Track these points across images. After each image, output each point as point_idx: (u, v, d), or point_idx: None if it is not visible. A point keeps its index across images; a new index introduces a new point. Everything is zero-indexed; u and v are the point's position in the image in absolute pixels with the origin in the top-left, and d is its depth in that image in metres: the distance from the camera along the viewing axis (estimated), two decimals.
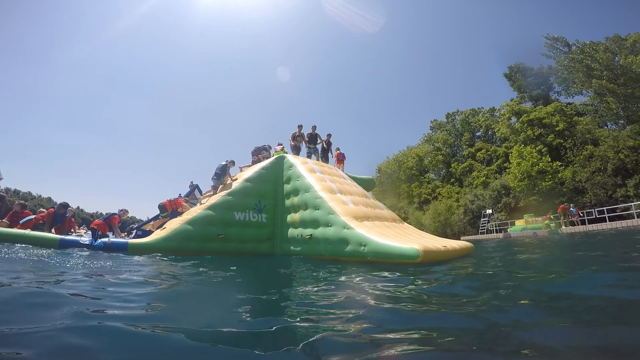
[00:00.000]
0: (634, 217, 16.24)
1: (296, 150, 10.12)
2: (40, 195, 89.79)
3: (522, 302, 2.30)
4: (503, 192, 26.81)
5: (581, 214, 18.74)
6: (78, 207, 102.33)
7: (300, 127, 10.33)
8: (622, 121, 24.05)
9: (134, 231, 9.02)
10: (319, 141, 10.53)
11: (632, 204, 17.44)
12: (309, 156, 10.22)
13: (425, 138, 41.15)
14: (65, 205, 7.90)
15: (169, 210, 8.36)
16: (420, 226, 30.11)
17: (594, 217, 18.22)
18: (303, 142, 10.38)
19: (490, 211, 26.22)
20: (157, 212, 8.63)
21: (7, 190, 76.73)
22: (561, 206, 18.89)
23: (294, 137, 10.19)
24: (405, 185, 37.35)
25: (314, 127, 10.57)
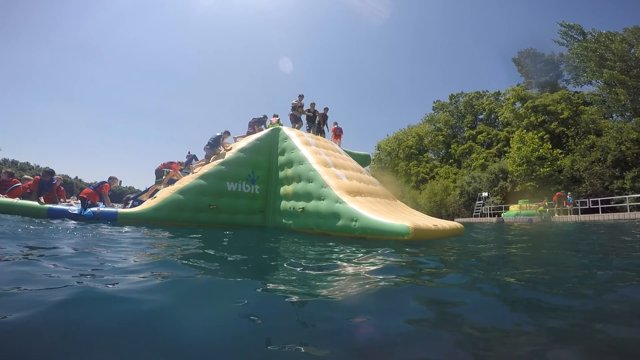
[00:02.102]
0: (626, 210, 16.34)
1: (295, 120, 9.81)
2: (38, 165, 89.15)
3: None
4: (501, 175, 26.80)
5: (575, 204, 18.83)
6: (76, 177, 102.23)
7: (301, 96, 9.98)
8: (629, 113, 23.76)
9: (131, 201, 8.89)
10: (317, 119, 10.22)
11: (627, 196, 17.50)
12: (307, 131, 9.97)
13: (427, 118, 40.60)
14: (50, 172, 7.59)
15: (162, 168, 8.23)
16: (416, 205, 30.32)
17: (588, 207, 18.30)
18: (303, 115, 10.07)
19: (486, 194, 26.29)
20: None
21: (5, 160, 76.16)
22: (557, 193, 18.93)
23: (294, 107, 9.85)
24: (404, 163, 37.27)
25: (313, 104, 10.20)
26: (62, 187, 8.23)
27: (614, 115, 25.34)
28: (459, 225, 6.21)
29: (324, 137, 9.95)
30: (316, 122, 10.16)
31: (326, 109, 10.54)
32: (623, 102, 23.33)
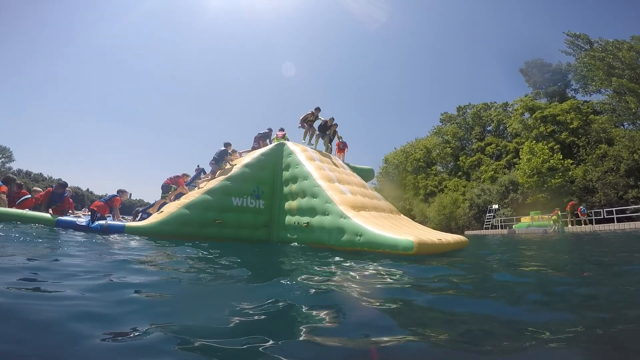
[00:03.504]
0: None
1: (309, 128, 9.64)
2: (51, 177, 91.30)
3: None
4: (511, 187, 26.40)
5: (589, 214, 18.35)
6: (87, 189, 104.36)
7: (317, 109, 9.75)
8: None
9: (140, 214, 9.01)
10: (328, 133, 10.01)
11: None
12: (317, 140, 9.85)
13: (435, 130, 40.50)
14: (63, 185, 7.76)
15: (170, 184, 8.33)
16: (425, 219, 30.01)
17: (602, 217, 17.84)
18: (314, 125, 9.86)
19: (496, 206, 25.87)
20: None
21: (19, 171, 78.04)
22: (570, 203, 18.43)
23: (305, 119, 9.65)
24: (412, 176, 37.01)
25: (332, 120, 9.98)
26: (71, 200, 8.35)
27: (625, 123, 24.90)
28: (463, 238, 6.16)
29: (331, 152, 9.94)
30: (327, 134, 9.95)
31: (335, 125, 10.42)
32: (634, 110, 22.96)
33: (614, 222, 16.58)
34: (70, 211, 7.96)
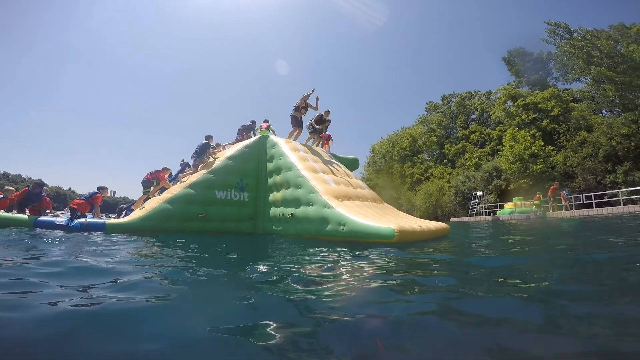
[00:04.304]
0: (620, 204, 16.43)
1: (295, 124, 8.89)
2: (30, 177, 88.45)
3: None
4: (494, 174, 26.95)
5: (570, 199, 18.87)
6: (69, 189, 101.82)
7: (306, 96, 8.73)
8: (618, 109, 24.06)
9: (124, 211, 8.84)
10: (320, 127, 9.50)
11: (620, 190, 17.63)
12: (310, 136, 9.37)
13: (420, 119, 40.87)
14: (40, 184, 7.51)
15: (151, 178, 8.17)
16: (412, 207, 30.40)
17: (582, 202, 18.40)
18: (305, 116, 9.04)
19: (480, 193, 26.42)
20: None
21: None
22: (552, 187, 18.80)
23: (296, 108, 8.85)
24: (398, 165, 37.44)
25: (328, 112, 9.50)
26: (49, 198, 8.08)
27: (604, 111, 25.64)
28: (444, 225, 6.29)
29: (321, 146, 9.75)
30: (317, 128, 9.41)
31: (329, 121, 10.00)
32: (611, 98, 23.63)
33: (592, 207, 17.12)
34: (48, 211, 7.73)
